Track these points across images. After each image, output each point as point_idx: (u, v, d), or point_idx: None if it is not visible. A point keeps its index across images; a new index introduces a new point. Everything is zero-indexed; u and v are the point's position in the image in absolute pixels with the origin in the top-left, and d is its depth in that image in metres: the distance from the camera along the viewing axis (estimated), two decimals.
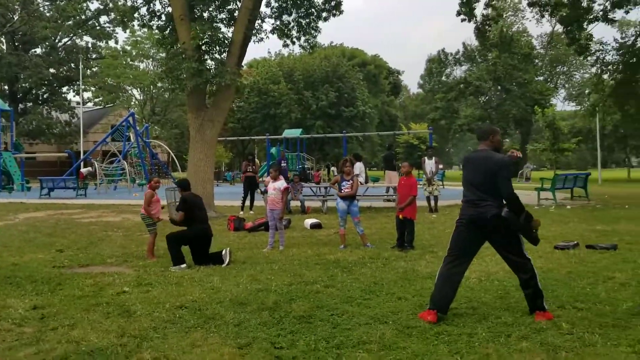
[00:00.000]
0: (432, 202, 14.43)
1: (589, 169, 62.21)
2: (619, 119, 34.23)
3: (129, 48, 51.60)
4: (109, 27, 50.40)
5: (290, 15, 16.24)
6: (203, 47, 13.37)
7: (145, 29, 17.67)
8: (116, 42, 27.10)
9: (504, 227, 4.74)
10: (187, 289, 6.05)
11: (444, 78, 63.54)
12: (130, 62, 51.95)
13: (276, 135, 36.51)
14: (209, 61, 13.66)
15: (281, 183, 9.00)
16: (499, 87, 55.14)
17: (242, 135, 40.25)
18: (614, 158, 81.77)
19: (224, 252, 7.58)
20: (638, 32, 25.11)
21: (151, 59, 52.92)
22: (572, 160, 78.63)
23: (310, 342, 4.25)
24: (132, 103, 53.46)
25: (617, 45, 25.56)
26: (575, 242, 8.62)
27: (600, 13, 21.07)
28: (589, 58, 28.38)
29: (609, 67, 26.00)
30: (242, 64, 15.43)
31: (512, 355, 3.90)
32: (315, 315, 4.97)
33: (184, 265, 7.30)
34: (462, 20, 19.92)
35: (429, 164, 14.71)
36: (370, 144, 56.30)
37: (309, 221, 11.79)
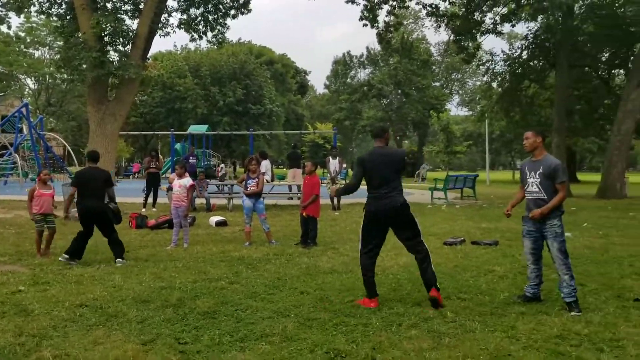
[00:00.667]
0: (335, 201, 14.95)
1: (479, 170, 66.58)
2: (505, 125, 37.03)
3: (22, 34, 48.02)
4: (1, 11, 46.55)
5: (197, 9, 16.05)
6: (105, 39, 12.90)
7: (43, 16, 16.66)
8: (9, 28, 25.19)
9: (408, 212, 5.36)
10: (88, 287, 5.93)
11: (348, 80, 65.32)
12: (24, 50, 48.37)
13: (181, 130, 35.71)
14: (111, 53, 13.20)
15: (187, 180, 8.98)
16: (399, 91, 57.58)
17: (144, 130, 38.95)
18: (501, 160, 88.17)
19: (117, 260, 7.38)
20: (523, 45, 27.38)
21: (47, 47, 49.64)
22: (463, 162, 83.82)
23: (215, 336, 4.37)
24: (26, 92, 49.86)
25: (505, 56, 27.69)
26: (462, 238, 9.39)
27: (491, 26, 22.81)
28: (480, 67, 30.52)
29: (498, 76, 28.15)
30: (147, 57, 15.05)
31: (402, 342, 4.26)
32: (220, 310, 5.10)
33: (73, 263, 7.12)
34: (364, 25, 20.69)
35: (333, 163, 15.23)
36: (277, 142, 56.64)
37: (214, 219, 11.79)
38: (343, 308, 5.19)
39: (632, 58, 23.77)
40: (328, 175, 15.35)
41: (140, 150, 54.73)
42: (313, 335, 4.42)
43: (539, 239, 5.39)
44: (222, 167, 30.08)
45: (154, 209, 14.48)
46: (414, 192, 23.39)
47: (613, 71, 28.48)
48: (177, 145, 30.61)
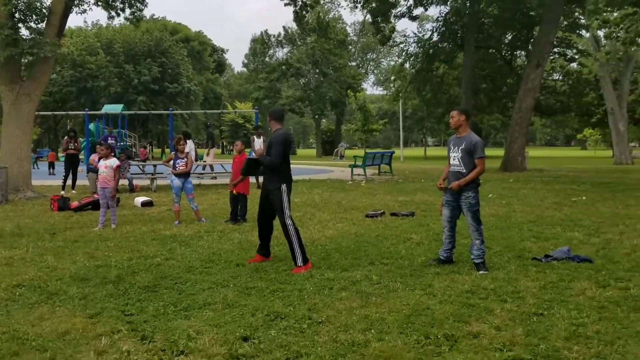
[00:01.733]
0: (261, 179, 15.25)
1: (393, 147, 68.93)
2: (417, 103, 38.66)
3: None
4: None
5: None
6: (17, 15, 12.24)
7: None
8: None
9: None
10: (20, 268, 5.93)
11: (267, 59, 64.98)
12: None
13: (94, 110, 34.22)
14: (23, 31, 12.56)
15: (113, 161, 8.94)
16: (317, 70, 58.14)
17: (55, 110, 36.89)
18: (414, 138, 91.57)
19: None
20: (434, 28, 28.66)
21: None
22: (379, 140, 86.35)
23: (159, 307, 4.62)
24: None
25: (417, 38, 28.88)
26: (382, 210, 10.05)
27: (405, 9, 23.70)
28: (394, 48, 31.61)
29: (411, 57, 29.33)
30: (63, 34, 14.41)
31: (334, 303, 4.72)
32: (160, 284, 5.32)
33: None
34: (286, 4, 20.88)
35: (258, 142, 15.45)
36: (195, 122, 55.55)
37: (139, 199, 11.73)
38: (278, 277, 5.58)
39: (532, 40, 25.61)
40: (252, 153, 15.56)
41: (48, 132, 51.82)
42: (252, 301, 4.77)
43: (455, 208, 5.99)
44: (148, 148, 29.27)
45: (73, 192, 14.10)
46: (334, 170, 24.12)
47: (515, 52, 30.52)
48: (91, 126, 29.40)
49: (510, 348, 3.66)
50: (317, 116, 60.07)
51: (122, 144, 28.89)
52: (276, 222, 6.26)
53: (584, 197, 12.55)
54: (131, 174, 14.91)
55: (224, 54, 72.69)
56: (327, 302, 4.74)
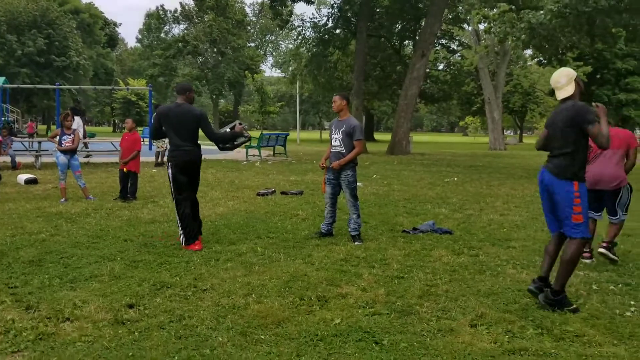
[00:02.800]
0: (160, 157, 15.27)
1: (290, 130, 69.67)
2: (312, 88, 39.50)
3: None
4: None
5: None
6: None
7: None
8: None
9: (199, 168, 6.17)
10: None
11: (162, 35, 62.65)
12: None
13: None
14: None
15: None
16: (215, 50, 57.13)
17: None
18: (310, 121, 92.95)
19: None
20: (330, 14, 29.38)
21: None
22: (277, 122, 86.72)
23: (44, 280, 4.69)
24: None
25: (313, 23, 29.46)
26: (273, 189, 10.50)
27: None
28: (292, 32, 32.00)
29: (307, 42, 29.89)
30: None
31: (219, 272, 5.06)
32: (45, 259, 5.35)
33: None
34: None
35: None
36: (84, 98, 52.47)
37: (22, 176, 11.22)
38: (166, 251, 5.81)
39: (419, 31, 27.13)
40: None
41: None
42: (140, 273, 4.98)
43: (336, 185, 6.54)
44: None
45: None
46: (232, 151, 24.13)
47: (404, 42, 32.15)
48: None
49: (372, 305, 4.22)
50: (214, 96, 59.13)
51: (3, 119, 26.83)
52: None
53: (455, 178, 13.83)
54: (14, 150, 14.12)
55: (116, 28, 69.08)
56: (213, 272, 5.07)
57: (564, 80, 4.34)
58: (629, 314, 4.11)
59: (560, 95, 4.37)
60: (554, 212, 4.37)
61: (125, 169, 9.00)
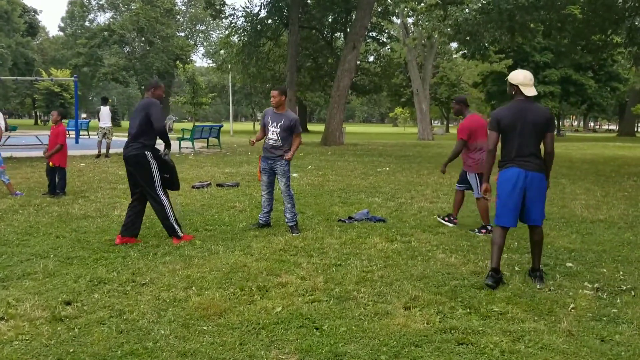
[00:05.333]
0: (107, 149, 15.62)
1: (223, 121, 68.75)
2: (243, 78, 39.15)
3: None
4: None
5: None
6: None
7: None
8: None
9: (143, 166, 5.79)
10: None
11: (87, 23, 59.89)
12: None
13: None
14: None
15: None
16: (143, 39, 55.33)
17: None
18: (244, 112, 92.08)
19: None
20: (262, 4, 29.19)
21: None
22: (209, 113, 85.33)
23: None
24: None
25: (245, 13, 29.17)
26: (209, 182, 10.44)
27: None
28: (224, 21, 31.51)
29: (239, 31, 29.56)
30: None
31: (158, 266, 5.04)
32: None
33: None
34: None
35: (105, 110, 15.54)
36: (2, 89, 49.39)
37: None
38: (102, 246, 5.70)
39: (350, 23, 27.49)
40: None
41: None
42: (75, 270, 4.89)
43: (271, 174, 6.64)
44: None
45: None
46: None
47: (335, 34, 32.45)
48: None
49: (311, 293, 4.36)
50: (143, 87, 57.30)
51: None
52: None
53: (387, 168, 14.26)
54: None
55: (36, 15, 65.27)
56: (151, 266, 5.05)
57: (533, 80, 4.68)
58: (547, 292, 4.49)
59: (531, 92, 4.63)
60: (523, 207, 4.63)
61: (51, 164, 8.67)
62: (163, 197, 5.89)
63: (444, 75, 47.05)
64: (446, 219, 7.23)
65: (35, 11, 64.38)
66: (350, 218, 7.29)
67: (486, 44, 21.48)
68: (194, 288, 4.44)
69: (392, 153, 20.79)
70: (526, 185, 4.57)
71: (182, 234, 6.00)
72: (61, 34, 71.49)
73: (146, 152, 5.77)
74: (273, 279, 4.72)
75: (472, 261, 5.36)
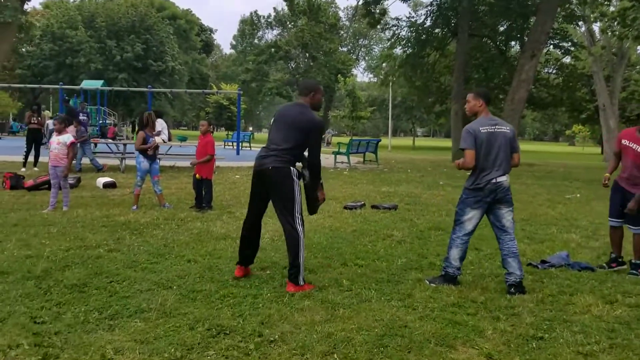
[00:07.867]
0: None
1: (381, 136, 68.22)
2: (407, 91, 37.81)
3: None
4: None
5: None
6: None
7: None
8: None
9: (281, 183, 4.58)
10: None
11: (256, 40, 63.55)
12: None
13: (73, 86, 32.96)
14: None
15: (67, 137, 8.04)
16: (307, 54, 56.96)
17: (32, 84, 35.50)
18: (403, 127, 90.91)
19: None
20: (428, 12, 27.78)
21: None
22: (368, 128, 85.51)
23: (79, 313, 3.80)
24: None
25: (409, 22, 27.99)
26: (362, 202, 9.23)
27: None
28: (386, 32, 30.67)
29: (403, 42, 28.44)
30: (37, 3, 13.37)
31: (293, 314, 3.92)
32: (91, 283, 4.49)
33: None
34: None
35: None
36: (180, 102, 54.25)
37: (102, 180, 10.81)
38: (232, 277, 4.77)
39: (527, 31, 24.86)
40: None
41: (28, 106, 50.44)
42: (196, 309, 3.97)
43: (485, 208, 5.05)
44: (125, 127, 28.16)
45: (35, 169, 13.14)
46: None
47: (509, 42, 29.75)
48: (72, 102, 28.22)
49: None
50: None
51: (101, 122, 27.78)
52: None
53: (577, 195, 11.88)
54: (93, 152, 13.98)
55: (212, 34, 71.09)
56: (285, 312, 3.95)
57: None
58: None
59: None
60: None
61: (197, 175, 8.17)
62: (301, 228, 4.68)
63: (636, 90, 41.12)
64: None
65: (210, 30, 70.02)
66: (544, 262, 5.56)
67: None
68: (335, 356, 3.22)
69: (578, 176, 17.90)
70: None
71: (303, 282, 4.63)
72: (233, 51, 76.98)
73: (291, 168, 4.63)
74: (445, 352, 3.36)
75: None
